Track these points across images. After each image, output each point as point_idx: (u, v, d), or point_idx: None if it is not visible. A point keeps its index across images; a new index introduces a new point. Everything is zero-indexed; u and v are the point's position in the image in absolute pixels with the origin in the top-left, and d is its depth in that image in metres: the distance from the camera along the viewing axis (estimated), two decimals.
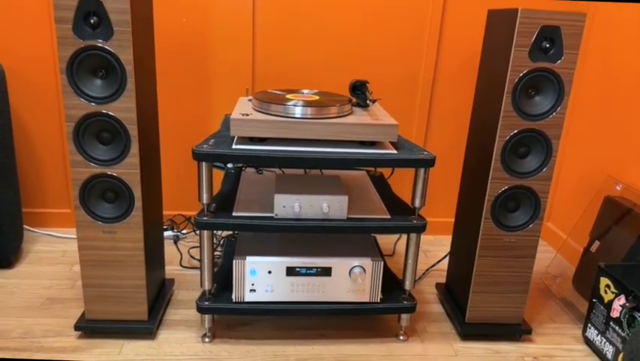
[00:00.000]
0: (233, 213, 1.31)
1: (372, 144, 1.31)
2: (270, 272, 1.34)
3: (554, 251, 2.07)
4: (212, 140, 1.30)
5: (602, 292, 1.41)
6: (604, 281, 1.40)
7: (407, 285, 1.42)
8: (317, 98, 1.39)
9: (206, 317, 1.37)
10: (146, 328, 1.38)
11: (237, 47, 1.88)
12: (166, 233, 1.97)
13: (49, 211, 2.02)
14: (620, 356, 1.33)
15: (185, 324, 1.47)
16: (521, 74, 1.25)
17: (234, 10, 1.84)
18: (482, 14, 1.90)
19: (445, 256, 1.84)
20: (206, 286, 1.35)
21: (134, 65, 1.18)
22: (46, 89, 1.87)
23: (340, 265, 1.35)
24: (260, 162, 1.23)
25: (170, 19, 1.83)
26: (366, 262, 1.36)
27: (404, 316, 1.44)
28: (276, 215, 1.29)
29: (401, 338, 1.46)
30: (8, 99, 1.65)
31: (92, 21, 1.14)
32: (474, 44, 1.94)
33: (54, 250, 1.86)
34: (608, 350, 1.38)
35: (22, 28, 1.79)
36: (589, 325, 1.46)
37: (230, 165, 1.69)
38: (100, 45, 1.16)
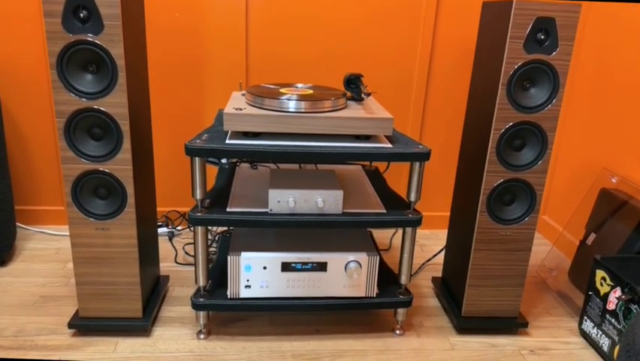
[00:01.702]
0: (228, 209, 1.30)
1: (367, 138, 1.30)
2: (265, 268, 1.33)
3: (550, 244, 2.07)
4: (206, 135, 1.29)
5: (597, 284, 1.41)
6: (600, 274, 1.40)
7: (403, 279, 1.41)
8: (311, 92, 1.38)
9: (201, 313, 1.37)
10: (140, 325, 1.37)
11: (231, 41, 1.86)
12: (160, 230, 1.95)
13: (43, 208, 2.00)
14: (616, 348, 1.33)
15: (180, 321, 1.46)
16: (516, 66, 1.24)
17: (227, 3, 1.82)
18: (477, 7, 1.89)
19: (441, 250, 1.84)
20: (201, 282, 1.34)
21: (125, 59, 1.17)
22: (37, 85, 1.85)
23: (336, 260, 1.34)
24: (254, 156, 1.22)
25: (162, 13, 1.81)
26: (362, 257, 1.35)
27: (400, 310, 1.43)
28: (271, 210, 1.28)
29: (397, 332, 1.46)
30: None
31: (81, 15, 1.12)
32: (469, 37, 1.93)
33: (47, 248, 1.85)
34: (604, 343, 1.38)
35: (11, 23, 1.77)
36: (585, 317, 1.46)
37: (224, 160, 1.67)
38: (90, 39, 1.14)
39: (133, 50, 1.23)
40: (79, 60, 1.16)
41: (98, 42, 1.14)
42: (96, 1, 1.12)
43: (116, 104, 1.19)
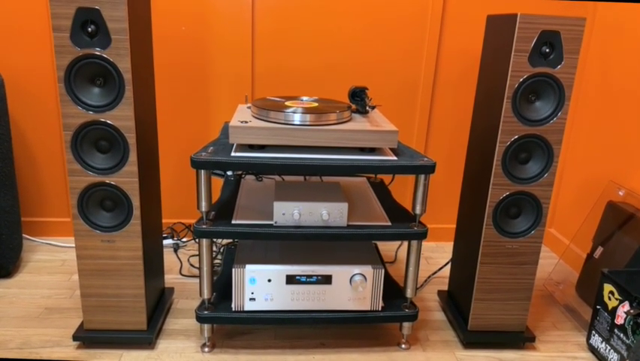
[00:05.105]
0: (233, 221, 1.30)
1: (372, 151, 1.31)
2: (269, 280, 1.32)
3: (557, 257, 2.05)
4: (211, 147, 1.29)
5: (605, 298, 1.40)
6: (607, 287, 1.39)
7: (409, 293, 1.40)
8: (316, 105, 1.38)
9: (206, 326, 1.36)
10: (145, 338, 1.37)
11: (237, 54, 1.88)
12: (166, 241, 1.96)
13: (49, 220, 2.01)
14: None
15: (185, 334, 1.46)
16: (521, 80, 1.24)
17: (234, 17, 1.84)
18: (481, 20, 1.90)
19: (447, 263, 1.83)
20: (206, 295, 1.34)
21: (132, 73, 1.18)
22: (45, 98, 1.87)
23: (341, 272, 1.34)
24: (259, 169, 1.23)
25: (169, 27, 1.83)
26: (367, 270, 1.34)
27: (406, 324, 1.42)
28: (276, 222, 1.28)
29: (403, 346, 1.44)
30: (7, 108, 1.65)
31: (89, 29, 1.14)
32: (473, 50, 1.94)
33: (53, 260, 1.85)
34: (613, 358, 1.36)
35: (21, 37, 1.80)
36: (593, 332, 1.45)
37: (229, 173, 1.68)
38: (97, 53, 1.15)
39: (140, 63, 1.25)
40: (86, 74, 1.18)
41: (106, 56, 1.16)
42: (104, 16, 1.13)
43: (122, 117, 1.20)
